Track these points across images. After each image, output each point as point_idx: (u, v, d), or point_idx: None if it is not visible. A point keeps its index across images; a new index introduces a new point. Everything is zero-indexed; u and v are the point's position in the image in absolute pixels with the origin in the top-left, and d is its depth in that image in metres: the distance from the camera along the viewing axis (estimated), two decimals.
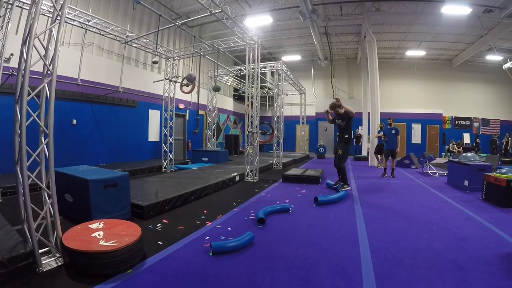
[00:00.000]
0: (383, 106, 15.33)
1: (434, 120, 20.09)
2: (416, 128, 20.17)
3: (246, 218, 4.77)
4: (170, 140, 10.61)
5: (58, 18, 3.08)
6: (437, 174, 10.28)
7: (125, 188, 4.63)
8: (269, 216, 4.84)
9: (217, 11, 6.51)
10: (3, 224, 3.50)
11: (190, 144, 15.47)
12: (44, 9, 6.11)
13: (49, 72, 3.02)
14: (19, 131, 2.81)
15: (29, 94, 2.84)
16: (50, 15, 6.39)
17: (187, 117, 15.32)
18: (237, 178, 8.05)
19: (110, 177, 4.43)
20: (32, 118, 2.94)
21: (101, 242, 2.93)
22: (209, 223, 4.49)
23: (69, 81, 8.38)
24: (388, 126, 9.85)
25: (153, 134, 12.66)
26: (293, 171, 8.83)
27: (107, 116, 10.56)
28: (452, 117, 20.74)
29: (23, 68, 2.81)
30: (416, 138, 20.20)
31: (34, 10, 2.93)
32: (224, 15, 6.84)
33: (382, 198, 6.52)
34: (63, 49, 8.92)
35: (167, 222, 4.56)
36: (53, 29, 3.06)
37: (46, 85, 3.02)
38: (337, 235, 4.05)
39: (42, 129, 3.04)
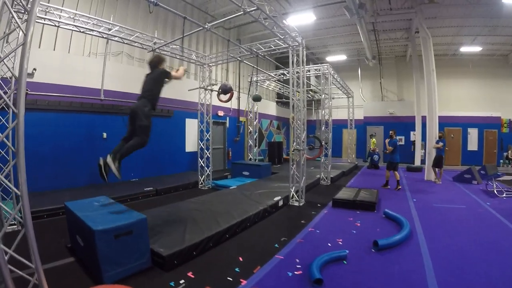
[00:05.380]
0: None
1: (491, 124, 17.53)
2: (473, 133, 17.80)
3: (290, 274, 3.69)
4: (207, 154, 9.74)
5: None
6: (504, 195, 8.56)
7: (142, 235, 3.77)
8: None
9: (252, 8, 5.49)
10: None
11: (230, 153, 14.67)
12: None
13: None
14: None
15: None
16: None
17: (227, 124, 14.54)
18: (280, 203, 6.99)
19: (122, 224, 3.58)
20: None
21: None
22: (244, 282, 3.48)
23: (94, 97, 7.83)
24: (391, 138, 9.83)
25: (191, 145, 11.97)
26: (344, 194, 7.59)
27: None
28: (510, 119, 17.87)
29: None
30: (473, 145, 17.82)
31: None
32: (262, 13, 5.81)
33: (452, 237, 5.12)
34: (89, 60, 8.49)
35: (192, 276, 3.62)
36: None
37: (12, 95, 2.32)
38: None
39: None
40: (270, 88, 16.81)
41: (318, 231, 5.36)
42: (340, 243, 4.72)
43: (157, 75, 4.61)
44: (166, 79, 4.71)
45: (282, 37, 7.05)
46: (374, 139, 18.65)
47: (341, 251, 4.17)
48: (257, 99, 10.18)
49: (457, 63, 18.24)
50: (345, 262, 4.04)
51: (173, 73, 4.80)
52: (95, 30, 6.91)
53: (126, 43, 7.78)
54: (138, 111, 4.35)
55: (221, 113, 13.75)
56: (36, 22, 6.14)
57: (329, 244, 4.64)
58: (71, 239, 4.33)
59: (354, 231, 5.34)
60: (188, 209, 5.99)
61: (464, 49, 16.66)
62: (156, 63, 4.75)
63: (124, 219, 3.71)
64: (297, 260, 4.05)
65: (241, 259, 4.11)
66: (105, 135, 8.91)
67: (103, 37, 7.35)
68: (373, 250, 4.45)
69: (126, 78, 9.49)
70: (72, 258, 4.08)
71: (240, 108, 15.12)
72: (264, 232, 5.32)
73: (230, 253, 4.32)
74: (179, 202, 6.73)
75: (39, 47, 7.51)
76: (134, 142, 4.38)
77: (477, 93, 18.21)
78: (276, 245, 4.62)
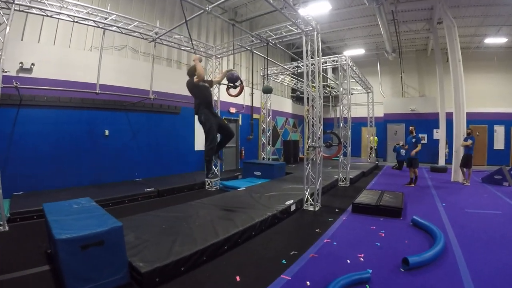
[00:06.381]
0: None
1: None
2: (499, 131, 16.52)
3: None
4: None
5: None
6: None
7: (117, 246, 3.10)
8: None
9: None
10: None
11: (243, 152, 13.97)
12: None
13: None
14: None
15: None
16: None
17: (240, 122, 13.83)
18: (293, 208, 6.20)
19: (91, 233, 2.92)
20: None
21: None
22: None
23: (95, 91, 7.26)
24: (410, 135, 9.86)
25: (200, 143, 11.29)
26: (366, 197, 6.73)
27: (145, 125, 9.48)
28: None
29: None
30: (499, 143, 16.54)
31: None
32: None
33: (493, 251, 4.21)
34: (90, 55, 7.98)
35: None
36: None
37: None
38: None
39: None
40: (285, 83, 16.02)
41: (335, 243, 4.53)
42: (362, 259, 3.90)
43: (188, 87, 5.20)
44: (201, 84, 5.11)
45: (293, 21, 6.27)
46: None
47: (363, 272, 3.35)
48: (267, 90, 9.29)
49: (481, 57, 16.94)
50: (367, 286, 3.22)
51: (195, 79, 4.98)
52: (90, 20, 6.36)
53: (126, 33, 7.26)
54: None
55: (233, 110, 13.10)
56: (27, 12, 5.74)
57: (348, 261, 3.83)
58: (49, 244, 3.78)
59: (378, 243, 4.50)
60: (186, 213, 5.29)
61: (488, 40, 15.34)
62: (191, 73, 5.13)
63: (95, 227, 3.05)
64: (308, 283, 3.25)
65: (238, 278, 3.36)
66: (107, 132, 8.39)
67: (99, 27, 6.81)
68: (401, 270, 3.61)
69: (131, 73, 9.00)
70: (48, 266, 3.53)
71: (254, 105, 14.38)
72: (271, 244, 4.53)
73: (226, 270, 3.57)
74: (178, 205, 6.07)
75: (38, 42, 7.17)
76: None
77: (503, 88, 16.85)
78: (284, 261, 3.82)
